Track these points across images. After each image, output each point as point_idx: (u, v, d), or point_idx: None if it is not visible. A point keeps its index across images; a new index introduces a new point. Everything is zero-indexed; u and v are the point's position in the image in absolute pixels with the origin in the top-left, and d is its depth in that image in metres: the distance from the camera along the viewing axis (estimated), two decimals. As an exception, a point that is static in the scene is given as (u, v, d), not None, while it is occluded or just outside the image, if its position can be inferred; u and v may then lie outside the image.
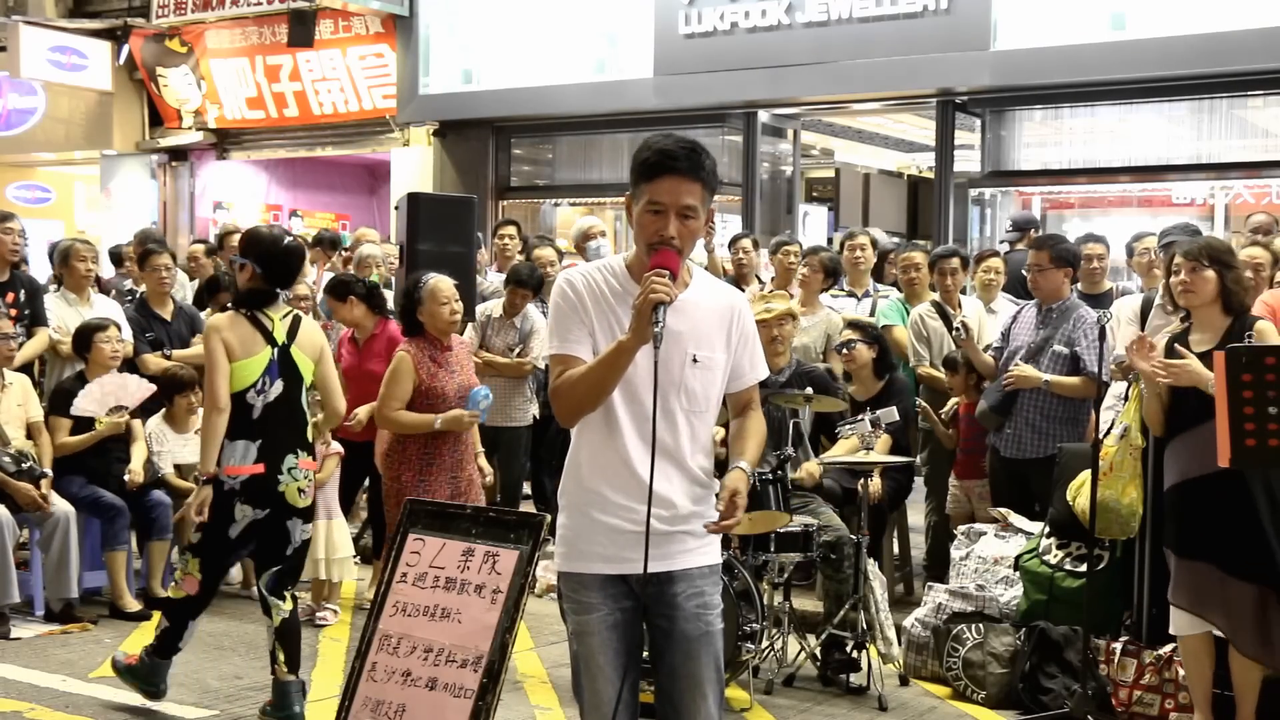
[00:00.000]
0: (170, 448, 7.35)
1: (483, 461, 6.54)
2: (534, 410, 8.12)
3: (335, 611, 7.03)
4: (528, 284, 7.98)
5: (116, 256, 11.15)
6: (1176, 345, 5.02)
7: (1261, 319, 5.16)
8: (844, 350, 7.06)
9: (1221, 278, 5.00)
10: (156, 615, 5.75)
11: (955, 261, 7.58)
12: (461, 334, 6.56)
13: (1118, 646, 5.52)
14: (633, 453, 3.21)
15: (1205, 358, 4.85)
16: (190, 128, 15.33)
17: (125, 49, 15.29)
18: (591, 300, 3.24)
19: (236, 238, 10.05)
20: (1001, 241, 10.07)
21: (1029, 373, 6.46)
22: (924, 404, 7.36)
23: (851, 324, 7.32)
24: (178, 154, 15.75)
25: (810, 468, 6.35)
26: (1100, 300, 7.27)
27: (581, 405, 3.21)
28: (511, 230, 9.16)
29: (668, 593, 3.28)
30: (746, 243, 8.80)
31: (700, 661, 3.28)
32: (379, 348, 7.29)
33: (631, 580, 3.25)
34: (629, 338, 3.07)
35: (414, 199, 8.37)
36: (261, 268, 5.29)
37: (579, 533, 3.31)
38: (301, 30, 13.20)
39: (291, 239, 5.55)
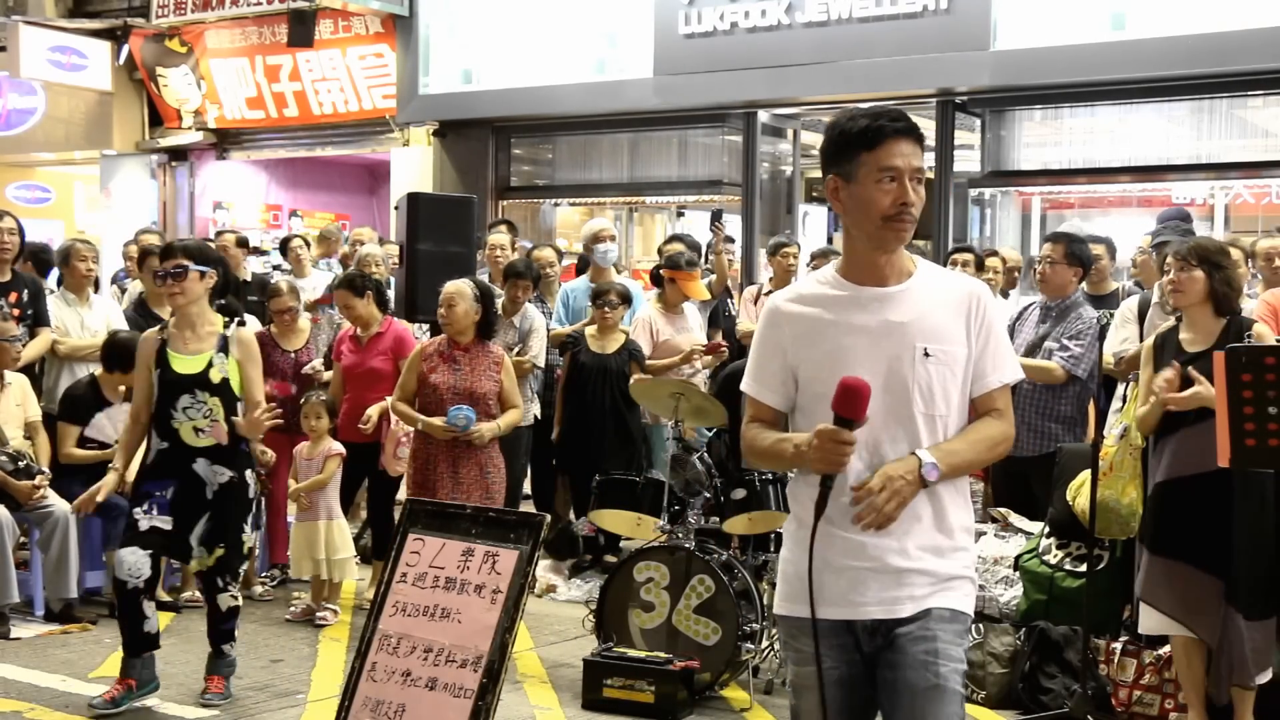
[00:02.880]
0: None
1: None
2: (534, 410, 8.12)
3: (335, 611, 7.03)
4: (525, 275, 7.98)
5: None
6: (1175, 364, 4.96)
7: (1258, 322, 5.18)
8: None
9: (1210, 278, 5.01)
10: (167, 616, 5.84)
11: (965, 256, 7.62)
12: (488, 338, 6.60)
13: (1117, 646, 5.52)
14: (850, 474, 2.79)
15: (1197, 359, 4.86)
16: (190, 128, 15.32)
17: (125, 49, 15.28)
18: (795, 329, 2.93)
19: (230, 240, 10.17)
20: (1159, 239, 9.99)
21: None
22: None
23: None
24: (178, 154, 15.74)
25: None
26: (1105, 301, 7.27)
27: (757, 464, 3.02)
28: (503, 240, 9.15)
29: (892, 637, 2.84)
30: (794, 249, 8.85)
31: None
32: (384, 345, 7.32)
33: (858, 628, 2.86)
34: (801, 458, 2.80)
35: (414, 199, 8.36)
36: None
37: (800, 570, 2.84)
38: (301, 30, 13.19)
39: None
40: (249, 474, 5.57)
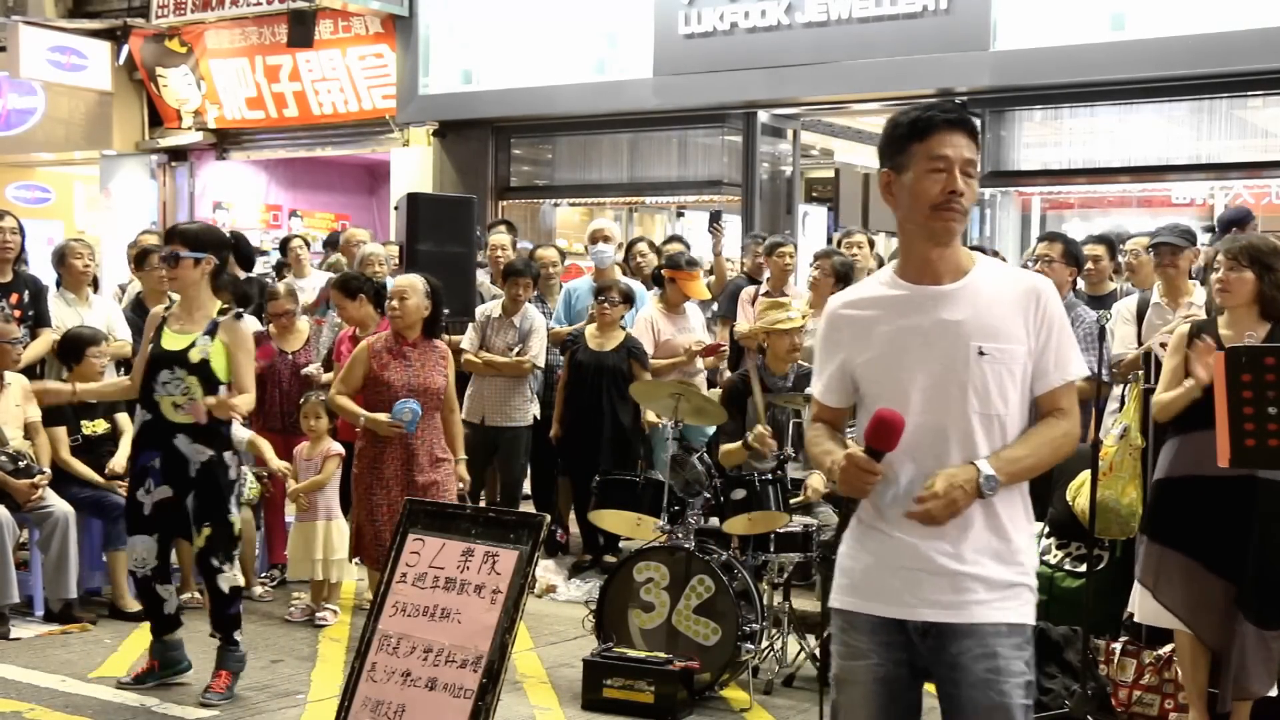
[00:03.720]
0: None
1: (462, 470, 6.61)
2: (534, 410, 8.12)
3: (335, 612, 7.03)
4: (525, 274, 7.98)
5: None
6: (1204, 336, 4.88)
7: None
8: None
9: (1260, 280, 4.89)
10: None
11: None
12: (434, 336, 6.61)
13: (1117, 646, 5.52)
14: (903, 476, 2.80)
15: None
16: (190, 128, 15.33)
17: (125, 49, 15.28)
18: (852, 332, 2.93)
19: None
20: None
21: None
22: None
23: None
24: (177, 154, 15.74)
25: (814, 482, 6.33)
26: (1103, 301, 7.26)
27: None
28: (504, 240, 9.13)
29: (949, 650, 2.80)
30: (861, 238, 8.84)
31: None
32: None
33: (910, 628, 2.83)
34: (833, 476, 2.83)
35: (413, 199, 8.37)
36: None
37: (856, 564, 2.89)
38: (301, 30, 13.20)
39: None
40: (229, 455, 5.63)
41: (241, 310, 5.83)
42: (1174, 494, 5.03)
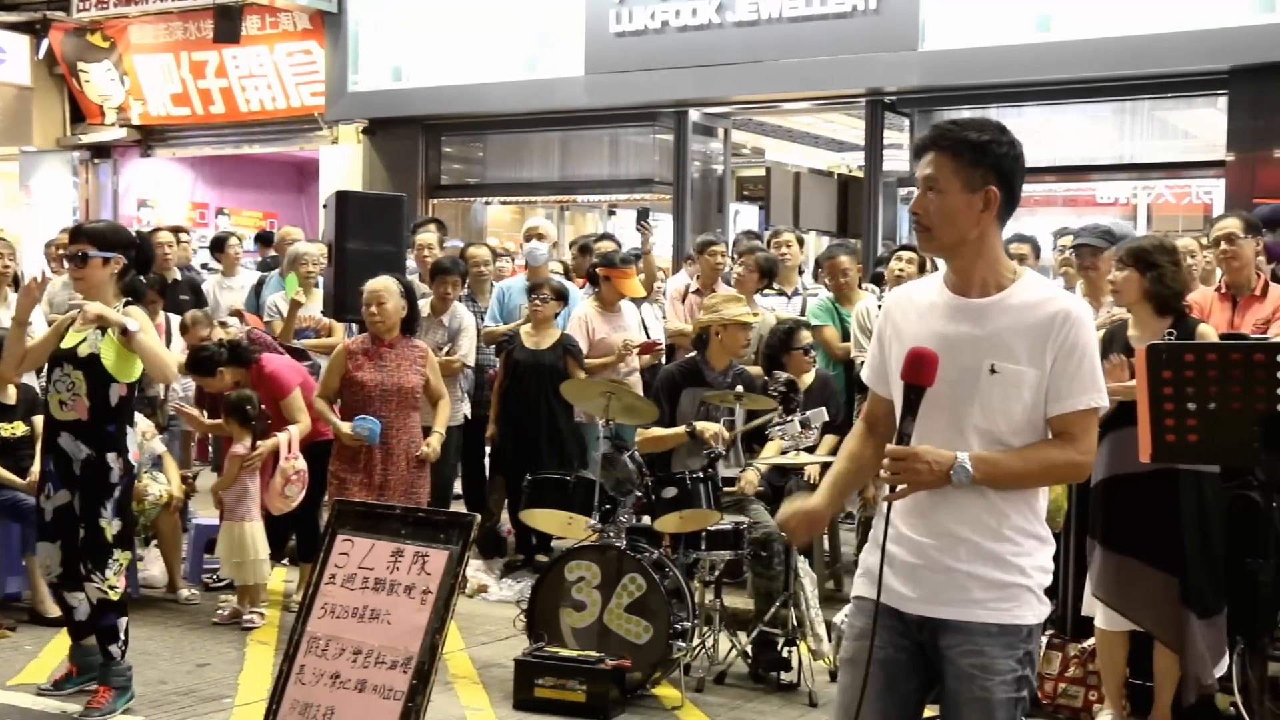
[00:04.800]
0: None
1: (434, 441, 6.68)
2: (465, 410, 8.07)
3: (262, 614, 6.94)
4: (453, 272, 7.92)
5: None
6: (1121, 355, 5.00)
7: (1203, 323, 5.21)
8: (808, 352, 7.06)
9: (1144, 277, 5.06)
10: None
11: (912, 254, 7.67)
12: (412, 334, 6.68)
13: (1043, 640, 5.59)
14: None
15: None
16: (113, 124, 15.09)
17: (45, 43, 15.01)
18: (895, 326, 3.04)
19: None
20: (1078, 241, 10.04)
21: None
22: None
23: (807, 328, 7.33)
24: (100, 151, 15.49)
25: (750, 477, 6.35)
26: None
27: None
28: (431, 239, 9.08)
29: (940, 644, 2.93)
30: (790, 236, 8.80)
31: None
32: (265, 391, 7.05)
33: (908, 620, 2.96)
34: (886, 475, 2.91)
35: (343, 197, 8.28)
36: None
37: (869, 555, 3.04)
38: (227, 26, 13.04)
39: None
40: (111, 456, 5.35)
41: (130, 299, 5.50)
42: (1111, 495, 5.12)
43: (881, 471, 2.87)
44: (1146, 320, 5.11)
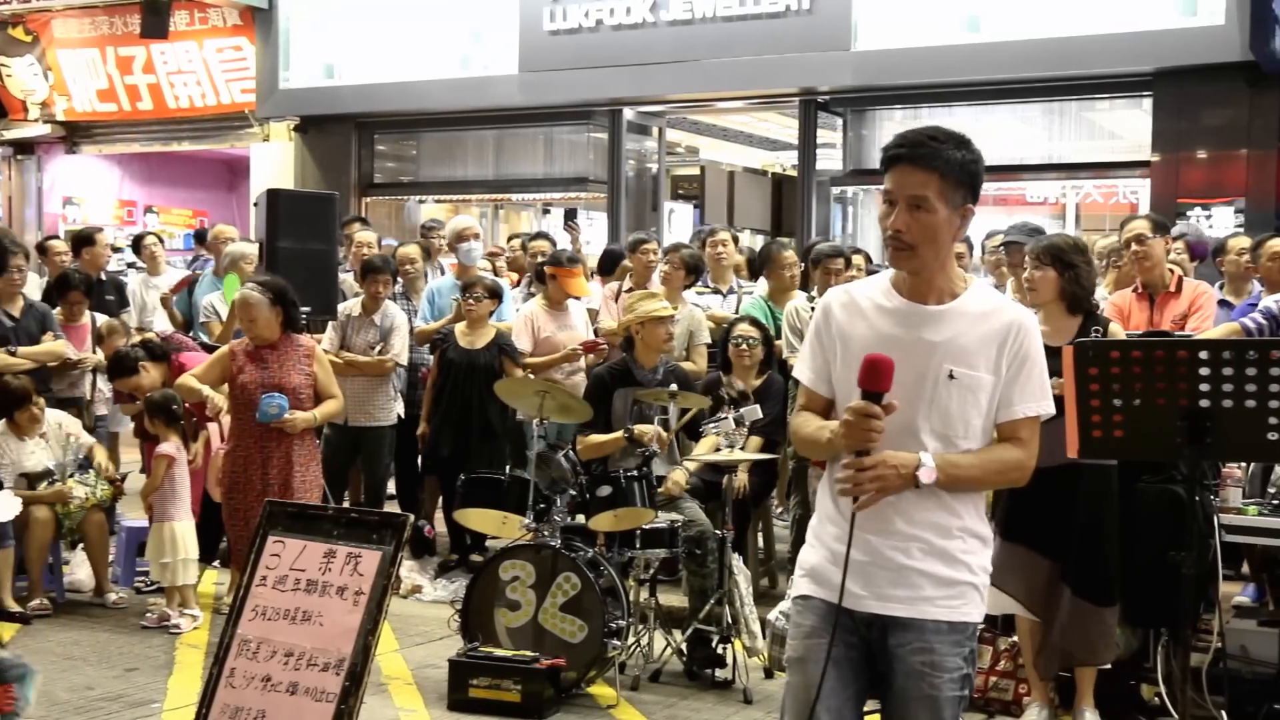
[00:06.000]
0: (13, 458, 7.08)
1: (306, 414, 6.58)
2: (398, 409, 8.01)
3: (194, 616, 6.85)
4: (384, 270, 7.88)
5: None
6: None
7: (1113, 321, 5.34)
8: (743, 345, 7.04)
9: (1061, 276, 5.15)
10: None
11: (840, 262, 7.68)
12: (295, 331, 6.69)
13: (973, 635, 5.66)
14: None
15: (1056, 354, 4.98)
16: (37, 120, 14.84)
17: (-35, 37, 14.74)
18: (839, 328, 3.00)
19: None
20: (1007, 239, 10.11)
21: None
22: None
23: (752, 322, 7.32)
24: (24, 147, 15.23)
25: (677, 477, 6.36)
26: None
27: (803, 451, 3.14)
28: (369, 238, 9.00)
29: (890, 641, 2.93)
30: (725, 235, 8.75)
31: None
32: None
33: (857, 619, 2.92)
34: (836, 442, 2.86)
35: (274, 196, 8.20)
36: None
37: (812, 554, 3.02)
38: (155, 21, 12.84)
39: None
40: None
41: None
42: (1015, 490, 5.20)
43: (842, 483, 2.84)
44: (1058, 318, 5.19)
